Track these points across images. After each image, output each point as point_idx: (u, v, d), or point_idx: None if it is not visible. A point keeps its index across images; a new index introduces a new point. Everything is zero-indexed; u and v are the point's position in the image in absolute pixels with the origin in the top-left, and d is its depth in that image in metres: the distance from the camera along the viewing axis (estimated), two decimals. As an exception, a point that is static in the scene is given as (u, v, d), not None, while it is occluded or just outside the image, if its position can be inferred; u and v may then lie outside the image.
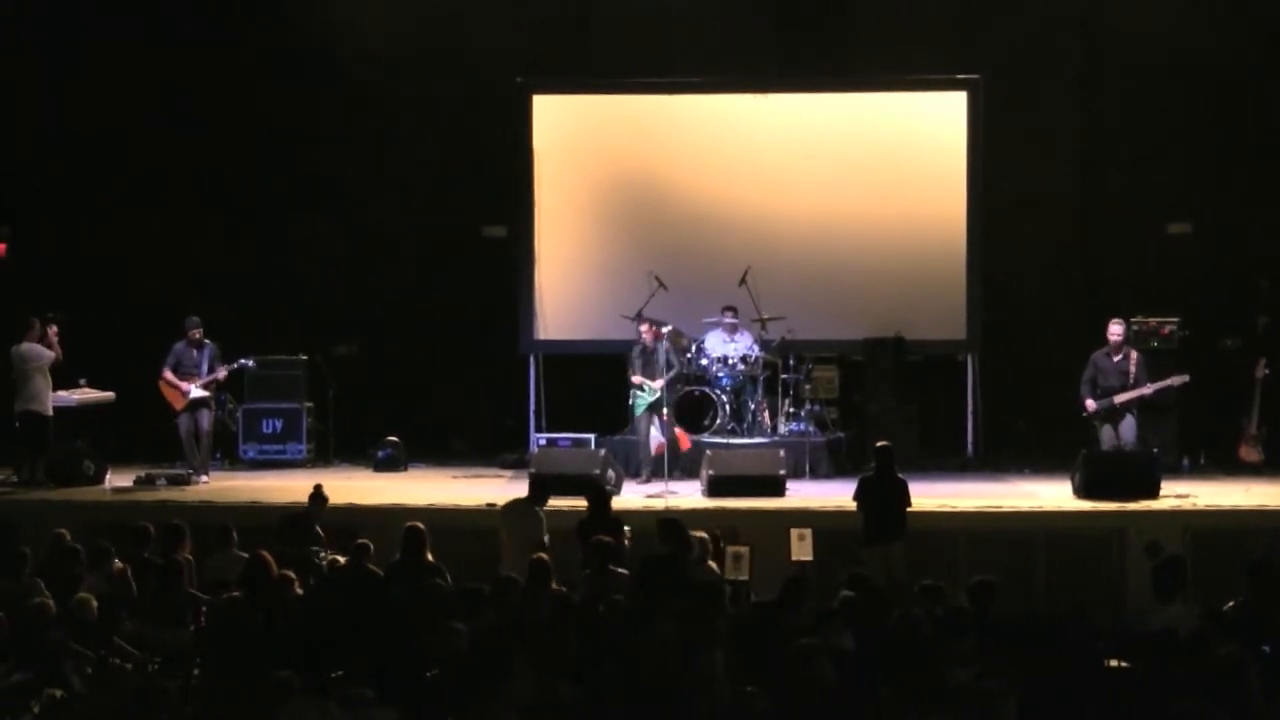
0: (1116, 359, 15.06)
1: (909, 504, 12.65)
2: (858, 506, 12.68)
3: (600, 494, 12.49)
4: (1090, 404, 15.03)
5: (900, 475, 12.72)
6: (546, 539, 11.88)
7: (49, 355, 15.42)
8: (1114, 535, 13.38)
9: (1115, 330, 15.14)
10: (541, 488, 12.58)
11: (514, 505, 12.50)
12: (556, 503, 12.55)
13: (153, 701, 8.09)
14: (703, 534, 11.67)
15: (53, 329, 15.52)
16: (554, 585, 10.52)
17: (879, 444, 13.05)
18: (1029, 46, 17.62)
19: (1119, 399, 14.94)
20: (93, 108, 17.92)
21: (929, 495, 14.02)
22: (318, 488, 12.45)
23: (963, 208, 17.25)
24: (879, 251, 17.21)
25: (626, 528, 11.99)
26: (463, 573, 11.17)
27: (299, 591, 10.29)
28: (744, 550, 11.94)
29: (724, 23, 17.71)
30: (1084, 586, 12.86)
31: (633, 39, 17.69)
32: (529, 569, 10.55)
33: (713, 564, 11.54)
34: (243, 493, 14.90)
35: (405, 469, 16.87)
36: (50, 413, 15.48)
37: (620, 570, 10.96)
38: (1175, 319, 16.43)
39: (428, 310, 18.23)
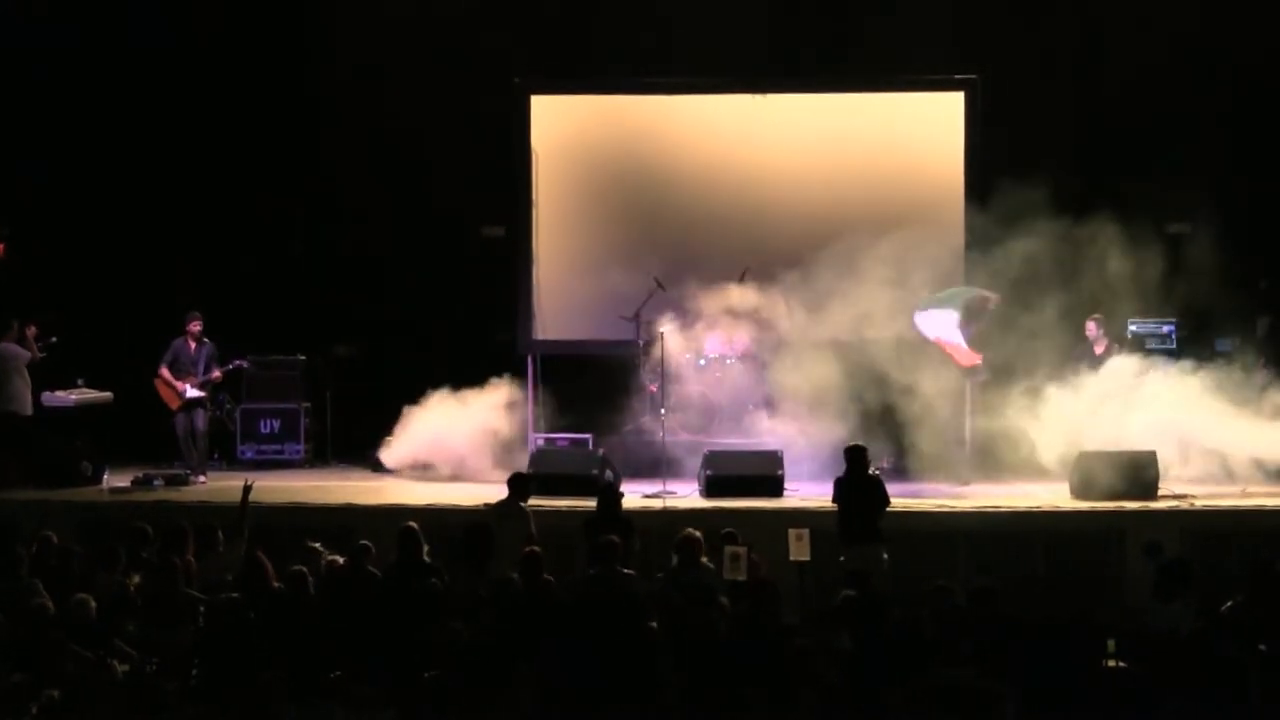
0: (1099, 352, 15.80)
1: (887, 504, 12.52)
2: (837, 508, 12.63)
3: (610, 495, 12.51)
4: None
5: (874, 474, 12.59)
6: (534, 533, 11.90)
7: (25, 355, 15.42)
8: (1113, 536, 13.38)
9: (1089, 326, 15.92)
10: (522, 485, 12.57)
11: (498, 506, 12.50)
12: (556, 502, 12.52)
13: (151, 703, 8.09)
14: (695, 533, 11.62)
15: (31, 329, 15.51)
16: (547, 576, 10.55)
17: (850, 445, 12.98)
18: (1027, 46, 17.60)
19: None
20: (94, 108, 17.91)
21: (928, 496, 14.00)
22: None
23: (960, 207, 17.24)
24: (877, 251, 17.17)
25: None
26: (460, 572, 11.16)
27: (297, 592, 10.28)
28: (742, 551, 11.92)
29: (722, 23, 17.67)
30: (1083, 587, 12.85)
31: (631, 39, 17.67)
32: (521, 563, 10.56)
33: (706, 560, 11.47)
34: (240, 493, 14.83)
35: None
36: (30, 412, 15.48)
37: (627, 571, 10.96)
38: (1174, 320, 16.43)
39: (426, 310, 18.19)
